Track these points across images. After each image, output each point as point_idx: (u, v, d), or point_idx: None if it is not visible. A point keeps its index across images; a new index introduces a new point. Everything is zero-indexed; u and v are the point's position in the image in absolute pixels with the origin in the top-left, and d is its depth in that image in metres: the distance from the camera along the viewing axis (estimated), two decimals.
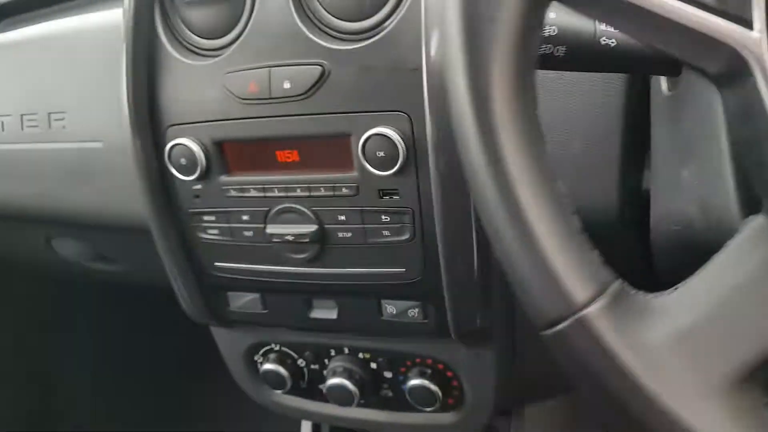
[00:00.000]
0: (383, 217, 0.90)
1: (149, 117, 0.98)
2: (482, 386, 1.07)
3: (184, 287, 1.09)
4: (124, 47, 0.94)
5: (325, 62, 0.86)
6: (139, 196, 1.07)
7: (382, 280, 0.95)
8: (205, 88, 0.94)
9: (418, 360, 1.09)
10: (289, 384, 1.18)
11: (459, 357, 1.05)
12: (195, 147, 0.95)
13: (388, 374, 1.13)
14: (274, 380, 1.19)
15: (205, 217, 1.01)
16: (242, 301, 1.10)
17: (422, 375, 1.08)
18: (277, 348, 1.19)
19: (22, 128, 1.20)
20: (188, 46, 0.95)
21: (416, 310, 0.99)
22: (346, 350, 1.14)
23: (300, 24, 0.86)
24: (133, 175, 1.06)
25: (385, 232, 0.91)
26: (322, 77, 0.86)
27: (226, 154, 0.96)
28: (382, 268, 0.95)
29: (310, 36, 0.86)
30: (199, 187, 0.99)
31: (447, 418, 1.13)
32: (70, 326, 2.06)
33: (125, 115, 0.98)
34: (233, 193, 0.97)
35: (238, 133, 0.94)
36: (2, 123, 1.22)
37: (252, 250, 1.01)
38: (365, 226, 0.92)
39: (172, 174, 0.99)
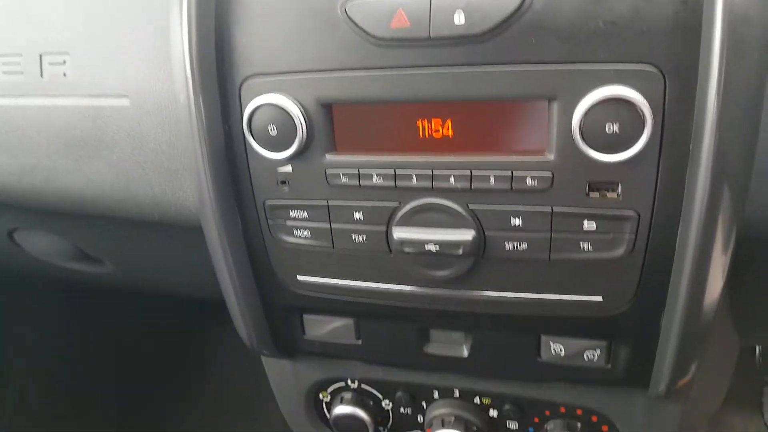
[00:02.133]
0: (586, 223, 0.61)
1: (218, 62, 0.65)
2: None
3: (246, 307, 0.77)
4: None
5: None
6: (187, 177, 0.74)
7: (562, 311, 0.66)
8: (312, 19, 0.62)
9: (562, 410, 0.81)
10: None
11: (627, 410, 0.78)
12: (293, 109, 0.63)
13: (512, 425, 0.85)
14: (349, 427, 0.88)
15: (294, 213, 0.70)
16: (327, 328, 0.79)
17: (569, 429, 0.80)
18: (354, 386, 0.89)
19: None
20: None
21: (597, 352, 0.70)
22: (457, 393, 0.85)
23: None
24: (178, 148, 0.74)
25: (585, 245, 0.62)
26: (521, 8, 0.56)
27: (338, 122, 0.65)
28: (565, 295, 0.66)
29: None
30: (288, 169, 0.67)
31: None
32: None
33: (179, 59, 0.65)
34: (344, 179, 0.66)
35: (363, 90, 0.62)
36: None
37: (359, 261, 0.70)
38: (555, 235, 0.62)
39: (250, 148, 0.67)
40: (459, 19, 0.57)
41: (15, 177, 0.85)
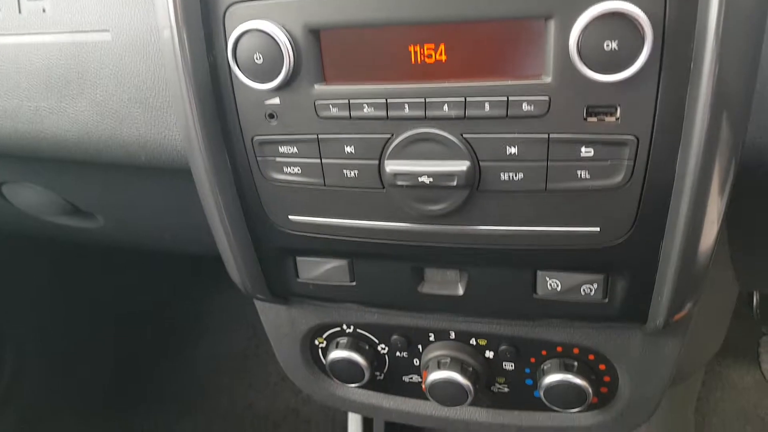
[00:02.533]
0: (584, 149, 0.59)
1: None
2: (649, 383, 0.79)
3: (237, 250, 0.76)
4: None
5: None
6: (173, 114, 0.72)
7: (559, 244, 0.65)
8: None
9: (559, 349, 0.80)
10: (366, 376, 0.87)
11: (624, 347, 0.77)
12: (279, 35, 0.61)
13: (508, 366, 0.84)
14: (345, 372, 0.88)
15: (283, 148, 0.68)
16: (320, 270, 0.78)
17: (566, 369, 0.79)
18: (350, 330, 0.88)
19: None
20: None
21: (594, 286, 0.69)
22: (453, 334, 0.84)
23: None
24: (162, 83, 0.71)
25: (583, 173, 0.60)
26: None
27: (326, 49, 0.62)
28: (562, 227, 0.64)
29: None
30: (276, 101, 0.65)
31: (587, 419, 0.86)
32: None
33: None
34: (333, 111, 0.64)
35: (352, 13, 0.60)
36: None
37: (351, 197, 0.68)
38: (551, 163, 0.60)
39: (236, 79, 0.64)
40: None
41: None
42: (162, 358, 2.05)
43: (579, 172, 0.60)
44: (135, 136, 0.76)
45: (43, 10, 0.76)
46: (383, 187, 0.66)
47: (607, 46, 0.53)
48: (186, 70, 0.64)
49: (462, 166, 0.62)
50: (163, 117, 0.74)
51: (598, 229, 0.63)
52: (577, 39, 0.53)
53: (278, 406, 1.91)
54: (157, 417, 1.94)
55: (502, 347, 0.82)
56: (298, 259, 0.78)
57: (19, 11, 0.77)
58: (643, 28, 0.52)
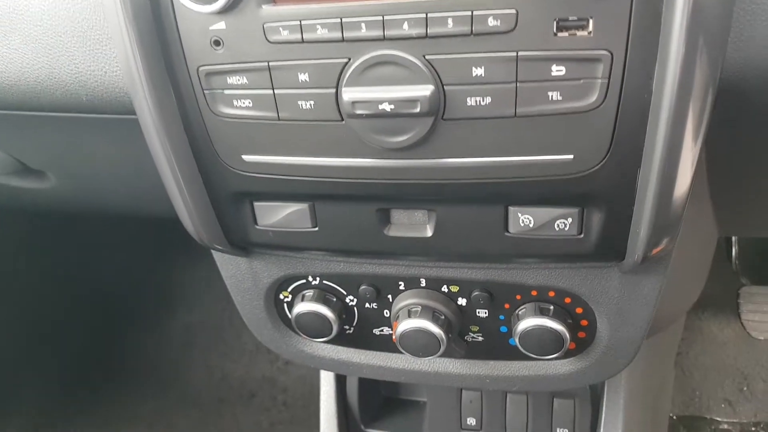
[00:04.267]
0: (555, 67, 0.55)
1: None
2: (628, 325, 0.76)
3: (188, 195, 0.71)
4: None
5: None
6: (113, 48, 0.66)
7: (530, 174, 0.61)
8: None
9: (534, 293, 0.77)
10: (334, 330, 0.83)
11: (601, 288, 0.74)
12: None
13: (482, 313, 0.81)
14: (312, 326, 0.84)
15: (231, 79, 0.62)
16: (280, 215, 0.73)
17: (542, 313, 0.76)
18: (316, 282, 0.84)
19: None
20: None
21: (568, 220, 0.65)
22: (423, 282, 0.80)
23: None
24: (99, 13, 0.65)
25: (554, 95, 0.56)
26: None
27: None
28: (533, 156, 0.60)
29: None
30: (221, 26, 0.60)
31: (565, 367, 0.82)
32: None
33: None
34: (284, 34, 0.58)
35: None
36: None
37: (308, 132, 0.63)
38: (520, 83, 0.56)
39: (176, 2, 0.59)
40: None
41: None
42: (134, 330, 2.00)
43: (550, 94, 0.56)
44: (74, 73, 0.71)
45: None
46: (342, 119, 0.61)
47: None
48: None
49: (425, 90, 0.57)
50: (103, 51, 0.68)
51: (571, 156, 0.59)
52: None
53: (254, 375, 1.88)
54: (131, 390, 1.90)
55: (475, 293, 0.78)
56: (256, 204, 0.73)
57: None
58: None
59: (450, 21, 0.54)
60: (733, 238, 1.72)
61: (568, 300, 0.76)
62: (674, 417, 1.74)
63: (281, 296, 0.87)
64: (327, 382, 1.12)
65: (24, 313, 1.79)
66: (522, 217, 0.66)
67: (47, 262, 1.83)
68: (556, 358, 0.80)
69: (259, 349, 1.86)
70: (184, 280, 2.07)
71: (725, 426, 1.71)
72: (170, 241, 1.85)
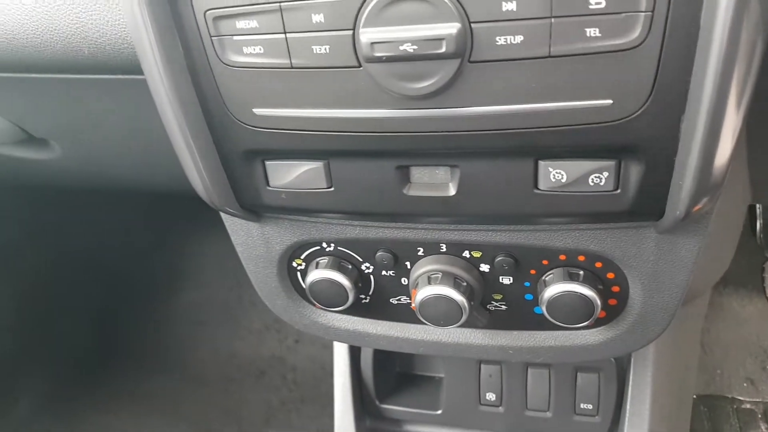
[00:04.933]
0: (592, 1, 0.50)
1: None
2: (663, 291, 0.72)
3: (197, 154, 0.67)
4: None
5: None
6: None
7: (565, 122, 0.56)
8: None
9: (562, 257, 0.72)
10: (350, 299, 0.79)
11: (636, 250, 0.69)
12: None
13: (506, 280, 0.76)
14: (326, 295, 0.80)
15: (241, 23, 0.58)
16: (293, 174, 0.69)
17: (571, 278, 0.72)
18: (330, 248, 0.80)
19: None
20: None
21: (604, 174, 0.61)
22: (443, 247, 0.75)
23: None
24: None
25: (592, 31, 0.51)
26: None
27: None
28: (568, 102, 0.55)
29: None
30: None
31: (593, 337, 0.78)
32: None
33: None
34: None
35: None
36: None
37: (323, 81, 0.59)
38: (555, 20, 0.51)
39: None
40: None
41: None
42: (142, 309, 1.97)
43: (588, 30, 0.51)
44: (74, 23, 0.66)
45: None
46: (359, 65, 0.56)
47: None
48: None
49: (451, 28, 0.52)
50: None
51: (610, 101, 0.54)
52: None
53: (263, 354, 1.85)
54: (139, 369, 1.87)
55: (499, 258, 0.74)
56: (267, 162, 0.69)
57: None
58: None
59: None
60: (758, 210, 1.66)
61: (599, 264, 0.72)
62: (695, 396, 1.70)
63: (294, 264, 0.83)
64: (341, 356, 1.08)
65: (31, 290, 1.76)
66: (553, 172, 0.61)
67: (52, 238, 1.80)
68: (584, 327, 0.76)
69: (268, 328, 1.83)
70: (192, 257, 2.04)
71: (747, 405, 1.67)
72: (179, 217, 1.82)
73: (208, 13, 0.58)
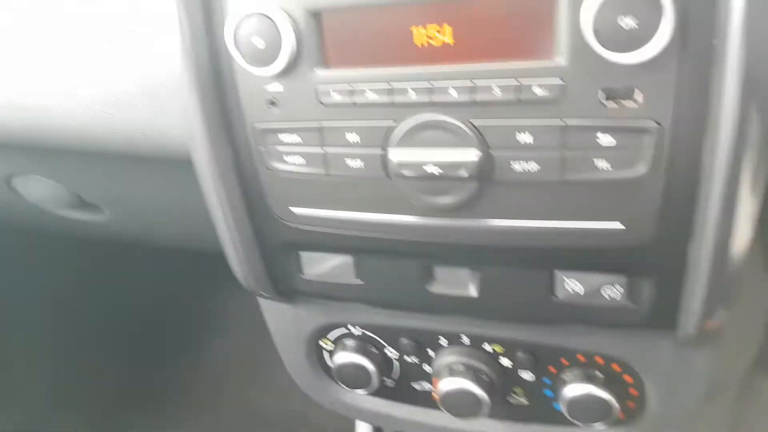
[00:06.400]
0: (602, 136, 0.55)
1: None
2: (680, 398, 0.73)
3: (240, 244, 0.73)
4: None
5: None
6: (174, 102, 0.70)
7: (578, 241, 0.60)
8: None
9: (581, 358, 0.75)
10: (374, 382, 0.83)
11: (652, 356, 0.72)
12: (279, 18, 0.58)
13: (527, 376, 0.79)
14: (352, 376, 0.84)
15: (284, 137, 0.64)
16: (325, 266, 0.74)
17: (589, 379, 0.74)
18: (357, 332, 0.84)
19: None
20: None
21: (617, 288, 0.64)
22: (465, 339, 0.79)
23: None
24: (161, 66, 0.69)
25: (601, 163, 0.56)
26: None
27: (328, 32, 0.59)
28: (580, 222, 0.59)
29: None
30: (277, 88, 0.62)
31: None
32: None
33: None
34: (335, 97, 0.60)
35: None
36: None
37: (356, 188, 0.65)
38: (567, 152, 0.56)
39: (236, 64, 0.62)
40: None
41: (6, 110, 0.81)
42: (169, 359, 2.03)
43: (597, 162, 0.56)
44: (136, 125, 0.74)
45: None
46: (389, 178, 0.62)
47: (622, 22, 0.48)
48: (186, 54, 0.62)
49: (472, 155, 0.58)
50: (164, 105, 0.71)
51: (618, 224, 0.58)
52: (589, 15, 0.49)
53: (288, 411, 1.87)
54: (165, 421, 1.92)
55: (519, 354, 0.77)
56: (302, 254, 0.74)
57: None
58: (660, 2, 0.47)
59: (496, 88, 0.55)
60: None
61: (616, 367, 0.74)
62: None
63: (322, 343, 0.87)
64: (364, 427, 1.11)
65: (63, 339, 1.84)
66: (569, 282, 0.65)
67: (89, 288, 1.88)
68: (602, 427, 0.77)
69: (294, 384, 1.86)
70: (220, 310, 2.10)
71: None
72: (208, 270, 1.88)
73: (256, 126, 0.65)
